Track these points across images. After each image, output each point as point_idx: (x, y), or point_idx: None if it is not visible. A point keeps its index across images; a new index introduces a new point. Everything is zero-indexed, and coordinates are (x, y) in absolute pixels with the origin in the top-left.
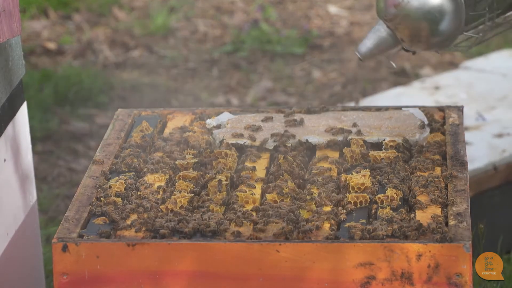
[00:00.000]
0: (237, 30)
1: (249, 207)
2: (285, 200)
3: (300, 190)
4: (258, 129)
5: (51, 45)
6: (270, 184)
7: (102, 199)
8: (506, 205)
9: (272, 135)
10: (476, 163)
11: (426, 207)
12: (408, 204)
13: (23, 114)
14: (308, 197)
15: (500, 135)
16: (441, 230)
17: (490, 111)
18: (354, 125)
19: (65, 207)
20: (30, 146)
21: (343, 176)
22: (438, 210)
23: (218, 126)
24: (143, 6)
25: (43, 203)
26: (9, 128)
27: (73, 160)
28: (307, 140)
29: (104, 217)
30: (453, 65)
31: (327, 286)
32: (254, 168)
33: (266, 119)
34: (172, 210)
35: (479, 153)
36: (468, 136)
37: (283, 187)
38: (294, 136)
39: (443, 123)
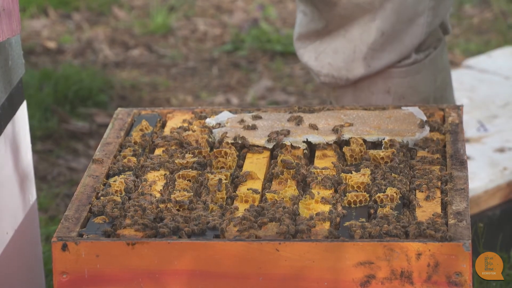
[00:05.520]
0: (237, 29)
1: (248, 206)
2: (284, 199)
3: (300, 189)
4: (257, 128)
5: (51, 44)
6: (270, 184)
7: (101, 198)
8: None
9: (272, 134)
10: (476, 181)
11: (425, 206)
12: (408, 203)
13: (23, 113)
14: (307, 196)
15: (501, 150)
16: (440, 229)
17: (491, 121)
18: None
19: (65, 206)
20: (29, 145)
21: (342, 175)
22: (437, 209)
23: (218, 125)
24: (143, 5)
25: (43, 202)
26: (8, 127)
27: (73, 159)
28: (306, 139)
29: (103, 216)
30: (453, 64)
31: (326, 285)
32: (253, 168)
33: (259, 118)
34: (171, 209)
35: (478, 170)
36: (469, 150)
37: (283, 186)
38: (293, 135)
39: (443, 122)
